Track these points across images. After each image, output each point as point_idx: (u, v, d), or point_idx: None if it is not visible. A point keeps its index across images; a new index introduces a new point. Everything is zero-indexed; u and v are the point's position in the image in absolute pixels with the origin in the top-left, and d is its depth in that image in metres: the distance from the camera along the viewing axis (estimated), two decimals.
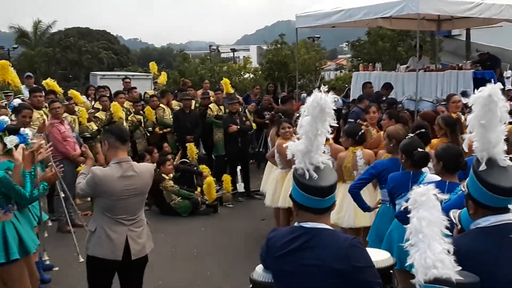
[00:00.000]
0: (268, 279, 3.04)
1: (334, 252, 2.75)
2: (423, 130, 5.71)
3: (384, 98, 11.63)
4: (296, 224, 2.94)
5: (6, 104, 8.55)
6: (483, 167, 2.65)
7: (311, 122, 2.83)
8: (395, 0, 11.18)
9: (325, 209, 2.87)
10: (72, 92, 12.23)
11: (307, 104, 2.87)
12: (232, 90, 13.48)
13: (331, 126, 2.88)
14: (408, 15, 12.17)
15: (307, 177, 2.82)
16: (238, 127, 11.20)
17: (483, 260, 2.54)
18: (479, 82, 11.58)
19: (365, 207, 5.84)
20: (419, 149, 4.96)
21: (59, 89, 11.44)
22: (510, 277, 2.43)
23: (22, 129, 5.47)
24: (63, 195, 8.50)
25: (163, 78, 14.92)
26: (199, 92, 14.67)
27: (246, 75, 31.59)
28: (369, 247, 5.07)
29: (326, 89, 2.98)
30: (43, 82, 11.57)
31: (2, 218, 4.95)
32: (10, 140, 5.20)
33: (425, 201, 2.53)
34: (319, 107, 2.81)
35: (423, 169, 5.04)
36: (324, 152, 2.92)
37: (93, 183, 4.73)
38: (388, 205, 5.56)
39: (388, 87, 12.35)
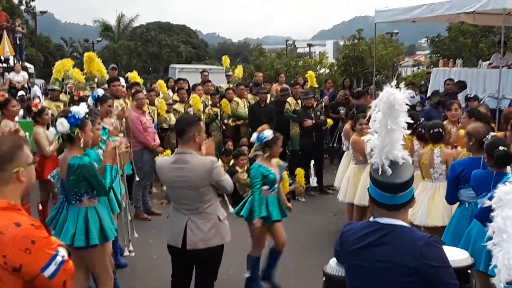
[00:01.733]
0: (342, 273, 3.03)
1: (409, 249, 2.70)
2: None
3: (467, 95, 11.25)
4: (371, 219, 2.91)
5: (88, 95, 8.85)
6: None
7: (382, 118, 2.81)
8: None
9: (400, 206, 2.81)
10: (159, 83, 12.72)
11: (377, 100, 2.84)
12: (316, 84, 13.43)
13: (408, 123, 2.82)
14: (493, 10, 11.74)
15: (380, 172, 2.80)
16: (313, 121, 11.16)
17: None
18: None
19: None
20: (500, 148, 4.78)
21: (141, 80, 11.78)
22: None
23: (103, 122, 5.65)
24: (137, 178, 8.79)
25: (238, 72, 15.05)
26: (275, 86, 14.72)
27: (322, 70, 31.40)
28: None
29: (398, 85, 2.93)
30: (128, 75, 11.95)
31: (86, 204, 5.13)
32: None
33: (511, 200, 2.45)
34: (388, 103, 2.77)
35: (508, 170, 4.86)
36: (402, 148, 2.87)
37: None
38: (467, 206, 5.42)
39: (461, 85, 11.95)
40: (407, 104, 2.82)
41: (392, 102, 2.76)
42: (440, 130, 6.42)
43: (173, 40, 53.93)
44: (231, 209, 8.84)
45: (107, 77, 10.60)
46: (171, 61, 42.86)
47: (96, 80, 10.14)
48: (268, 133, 6.14)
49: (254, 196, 6.14)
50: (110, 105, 7.48)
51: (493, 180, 4.56)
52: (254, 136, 6.26)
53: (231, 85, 13.69)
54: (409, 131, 2.90)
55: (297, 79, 14.46)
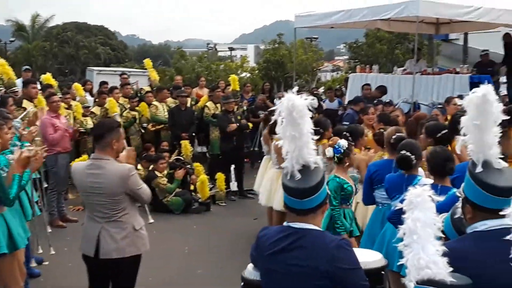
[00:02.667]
0: (259, 277, 3.03)
1: (320, 253, 2.75)
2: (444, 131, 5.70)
3: (375, 101, 11.58)
4: (285, 223, 2.95)
5: None
6: (479, 169, 2.61)
7: (286, 123, 2.84)
8: (395, 3, 11.21)
9: (308, 210, 2.84)
10: (75, 86, 12.33)
11: (280, 106, 2.87)
12: (238, 88, 13.43)
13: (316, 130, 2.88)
14: (407, 18, 12.19)
15: (288, 177, 2.83)
16: (238, 124, 11.14)
17: (476, 264, 2.51)
18: (475, 87, 11.58)
19: None
20: (402, 152, 4.92)
21: (55, 83, 11.40)
22: (504, 282, 2.40)
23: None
24: (45, 185, 8.50)
25: (154, 74, 14.67)
26: (195, 89, 14.63)
27: (243, 74, 31.54)
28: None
29: (318, 89, 2.96)
30: (42, 77, 11.54)
31: None
32: None
33: (420, 202, 2.52)
34: (287, 110, 2.81)
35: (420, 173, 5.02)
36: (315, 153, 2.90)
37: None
38: (380, 207, 5.55)
39: (382, 90, 12.33)
40: (312, 110, 2.85)
41: (291, 108, 2.79)
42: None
43: (90, 41, 52.53)
44: (151, 219, 8.72)
45: (15, 79, 10.24)
46: (88, 63, 41.80)
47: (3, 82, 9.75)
48: (343, 142, 5.83)
49: (335, 211, 5.60)
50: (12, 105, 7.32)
51: (405, 183, 4.69)
52: (330, 150, 5.79)
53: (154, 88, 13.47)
54: (317, 137, 2.93)
55: (218, 83, 14.43)
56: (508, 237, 2.30)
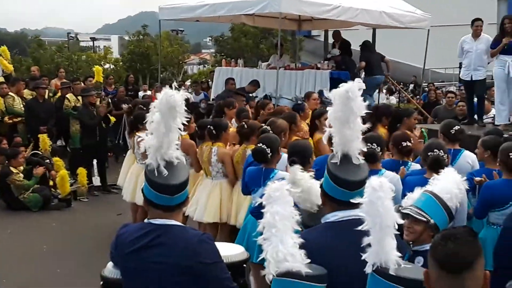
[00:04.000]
0: (119, 275, 2.96)
1: (182, 249, 2.74)
2: None
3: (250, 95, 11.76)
4: (146, 220, 2.89)
5: None
6: (335, 160, 2.74)
7: (161, 118, 2.80)
8: None
9: (175, 207, 2.83)
10: None
11: (157, 101, 2.83)
12: (102, 79, 12.93)
13: (183, 124, 2.85)
14: (270, 14, 12.46)
15: (157, 174, 2.78)
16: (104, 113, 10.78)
17: (330, 254, 2.62)
18: (335, 82, 12.17)
19: None
20: (259, 145, 5.04)
21: None
22: (354, 271, 2.50)
23: None
24: None
25: (5, 64, 13.52)
26: (54, 81, 13.95)
27: (106, 66, 30.64)
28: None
29: (184, 82, 2.93)
30: None
31: None
32: None
33: (279, 196, 2.57)
34: (168, 104, 2.77)
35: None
36: (177, 148, 2.88)
37: None
38: None
39: (255, 84, 12.48)
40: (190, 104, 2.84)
41: (173, 103, 2.76)
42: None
43: None
44: None
45: None
46: None
47: None
48: None
49: None
50: None
51: (262, 176, 4.80)
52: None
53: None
54: (185, 132, 2.90)
55: (78, 75, 13.88)
56: (359, 228, 2.40)
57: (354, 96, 2.69)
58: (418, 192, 3.66)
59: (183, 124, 2.85)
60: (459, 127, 5.72)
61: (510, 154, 4.51)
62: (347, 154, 2.76)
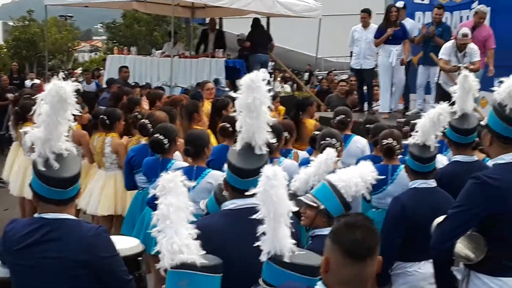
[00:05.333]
0: (7, 274, 2.80)
1: (77, 243, 2.67)
2: None
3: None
4: (36, 215, 2.77)
5: None
6: (236, 149, 2.80)
7: (50, 111, 2.68)
8: None
9: (68, 200, 2.75)
10: None
11: (45, 93, 2.70)
12: None
13: (74, 114, 2.75)
14: (163, 0, 12.28)
15: (47, 167, 2.67)
16: None
17: (226, 241, 2.68)
18: (230, 71, 12.25)
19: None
20: (154, 135, 4.98)
21: None
22: (249, 259, 2.52)
23: None
24: None
25: None
26: None
27: None
28: (123, 234, 5.05)
29: (74, 70, 2.82)
30: None
31: None
32: None
33: (173, 187, 2.54)
34: (58, 96, 2.66)
35: (175, 156, 5.09)
36: (67, 140, 2.78)
37: None
38: (140, 191, 5.52)
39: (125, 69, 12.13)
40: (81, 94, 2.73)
41: (63, 95, 2.65)
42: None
43: None
44: None
45: None
46: None
47: None
48: None
49: None
50: None
51: (159, 167, 4.73)
52: None
53: None
54: (75, 123, 2.79)
55: None
56: (254, 216, 2.43)
57: (258, 85, 2.72)
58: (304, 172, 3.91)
59: (74, 115, 2.74)
60: (345, 115, 5.93)
61: (383, 141, 4.73)
62: (250, 143, 2.79)
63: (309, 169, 3.96)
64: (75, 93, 2.74)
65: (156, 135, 4.95)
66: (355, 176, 3.51)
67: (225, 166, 2.91)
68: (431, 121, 3.83)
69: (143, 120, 5.76)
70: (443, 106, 3.86)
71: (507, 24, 9.30)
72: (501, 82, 3.09)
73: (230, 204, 2.82)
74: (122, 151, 6.16)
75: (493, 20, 9.42)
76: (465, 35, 8.38)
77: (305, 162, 4.76)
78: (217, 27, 14.47)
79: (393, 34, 9.15)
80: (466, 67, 7.58)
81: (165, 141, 4.89)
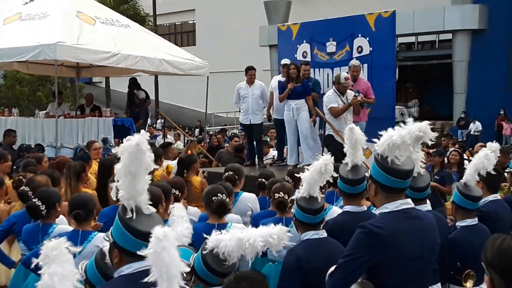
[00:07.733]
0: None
1: None
2: None
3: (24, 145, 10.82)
4: None
5: None
6: (129, 214, 2.63)
7: None
8: (32, 45, 10.88)
9: None
10: None
11: None
12: None
13: None
14: (46, 61, 11.94)
15: None
16: None
17: None
18: (119, 129, 12.03)
19: (9, 262, 5.31)
20: (33, 201, 4.76)
21: None
22: None
23: None
24: None
25: None
26: None
27: None
28: None
29: None
30: None
31: None
32: None
33: (57, 255, 2.40)
34: None
35: (60, 220, 4.86)
36: None
37: None
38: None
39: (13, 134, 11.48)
40: None
41: None
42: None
43: None
44: None
45: None
46: None
47: None
48: None
49: None
50: None
51: (40, 233, 4.48)
52: None
53: None
54: None
55: None
56: (145, 279, 2.33)
57: (145, 148, 2.62)
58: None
59: None
60: (234, 171, 6.00)
61: (275, 195, 4.84)
62: (138, 206, 2.68)
63: None
64: None
65: (34, 201, 4.71)
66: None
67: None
68: (318, 173, 3.90)
69: (22, 188, 5.45)
70: (327, 157, 3.95)
71: (380, 79, 9.96)
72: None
73: (127, 269, 2.63)
74: (4, 216, 5.79)
75: (370, 75, 10.01)
76: (347, 78, 9.09)
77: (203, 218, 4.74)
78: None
79: (293, 90, 9.33)
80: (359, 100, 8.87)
81: (42, 207, 4.65)
